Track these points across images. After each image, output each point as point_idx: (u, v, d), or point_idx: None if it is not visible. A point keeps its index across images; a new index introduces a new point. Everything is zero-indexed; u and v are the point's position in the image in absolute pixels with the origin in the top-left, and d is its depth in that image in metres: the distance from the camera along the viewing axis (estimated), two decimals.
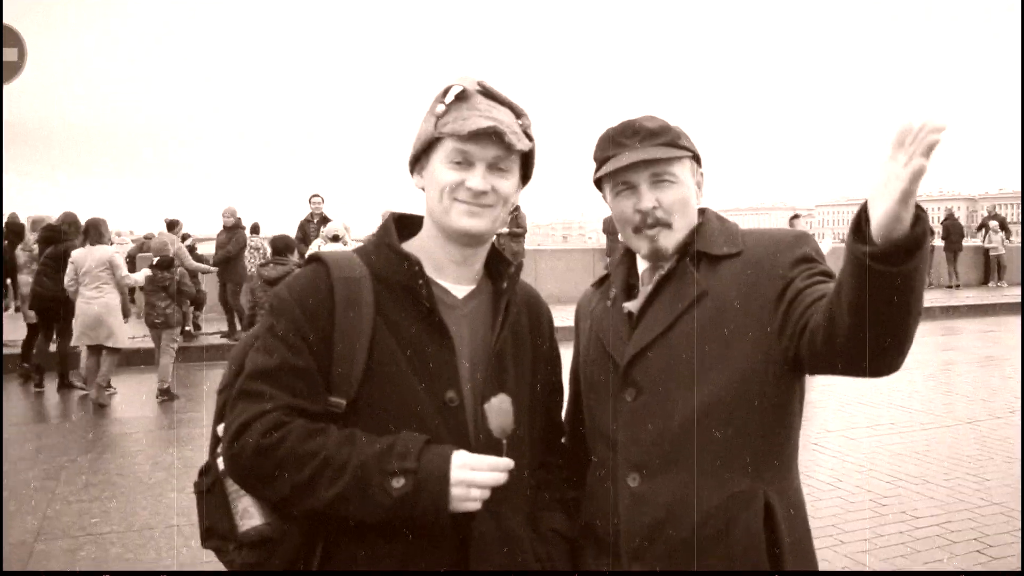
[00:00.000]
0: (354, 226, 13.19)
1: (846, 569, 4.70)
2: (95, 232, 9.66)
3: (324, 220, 13.79)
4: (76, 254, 9.53)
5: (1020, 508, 5.60)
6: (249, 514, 1.67)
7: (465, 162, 1.74)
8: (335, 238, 11.46)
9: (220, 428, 1.75)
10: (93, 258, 9.38)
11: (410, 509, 1.58)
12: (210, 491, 1.75)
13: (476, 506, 1.62)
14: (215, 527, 1.73)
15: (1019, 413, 8.42)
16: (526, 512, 1.85)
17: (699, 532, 1.73)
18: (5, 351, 11.19)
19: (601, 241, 19.50)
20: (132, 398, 10.01)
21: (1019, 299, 18.01)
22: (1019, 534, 5.20)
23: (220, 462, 1.72)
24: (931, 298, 18.91)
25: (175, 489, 6.36)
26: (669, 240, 1.86)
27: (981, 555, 4.90)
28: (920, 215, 1.34)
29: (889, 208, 1.31)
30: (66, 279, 9.43)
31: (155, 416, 8.96)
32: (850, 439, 7.38)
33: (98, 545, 5.28)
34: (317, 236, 13.08)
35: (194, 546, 5.13)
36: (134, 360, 11.57)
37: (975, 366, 11.46)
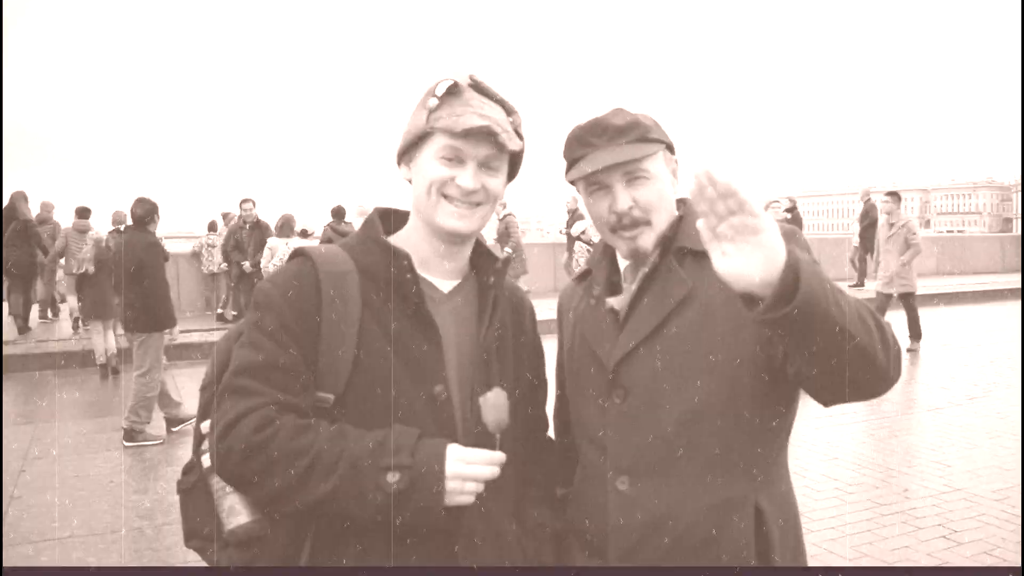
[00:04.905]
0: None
1: (814, 557, 4.74)
2: (287, 227, 11.94)
3: (257, 226, 13.49)
4: (272, 243, 11.99)
5: (994, 496, 5.70)
6: (235, 512, 1.63)
7: (456, 159, 1.71)
8: (304, 233, 11.62)
9: (204, 425, 1.71)
10: (287, 248, 11.16)
11: (405, 504, 1.55)
12: (193, 490, 1.71)
13: (470, 500, 1.60)
14: (199, 526, 1.69)
15: (978, 400, 8.60)
16: (513, 506, 1.84)
17: (689, 537, 1.71)
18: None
19: (561, 238, 19.00)
20: (84, 398, 9.83)
21: (960, 289, 18.39)
22: (982, 519, 5.30)
23: (204, 460, 1.68)
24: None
25: (136, 491, 6.26)
26: (648, 239, 1.81)
27: (946, 540, 4.99)
28: (790, 263, 1.39)
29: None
30: (263, 261, 11.89)
31: (111, 417, 8.78)
32: (815, 428, 7.46)
33: (61, 549, 5.17)
34: (251, 244, 13.01)
35: (159, 548, 5.06)
36: (72, 362, 11.48)
37: (932, 354, 11.65)
